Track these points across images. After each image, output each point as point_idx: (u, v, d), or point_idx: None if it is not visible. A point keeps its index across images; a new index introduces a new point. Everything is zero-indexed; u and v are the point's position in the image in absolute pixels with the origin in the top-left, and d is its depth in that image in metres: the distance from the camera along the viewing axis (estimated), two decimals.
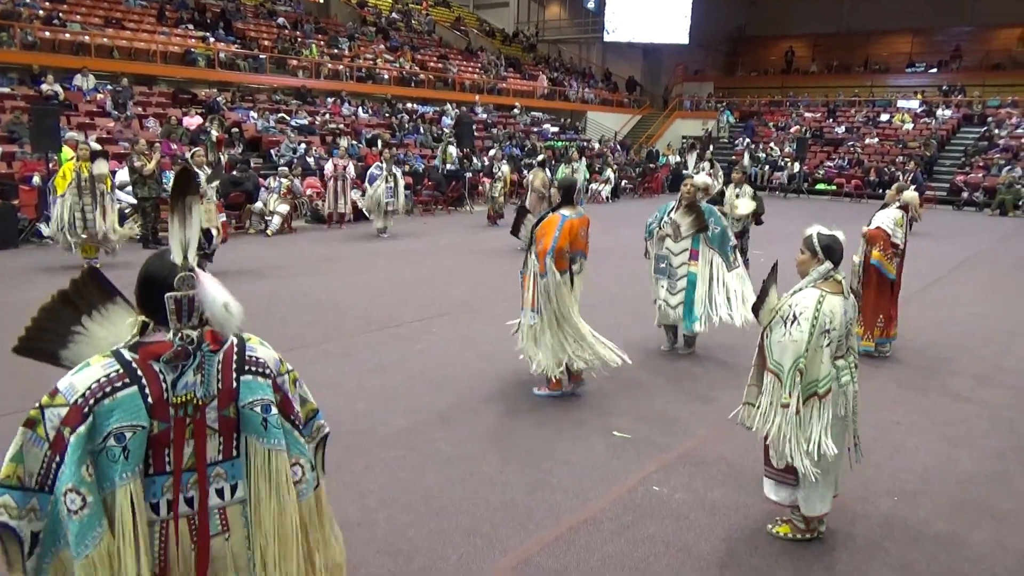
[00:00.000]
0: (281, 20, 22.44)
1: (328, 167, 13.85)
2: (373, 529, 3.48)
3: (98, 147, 9.92)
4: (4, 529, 1.60)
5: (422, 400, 5.15)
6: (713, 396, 5.41)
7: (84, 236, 8.95)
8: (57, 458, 1.60)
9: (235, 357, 1.78)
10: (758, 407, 3.39)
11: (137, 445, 1.64)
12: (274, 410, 1.80)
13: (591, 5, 32.27)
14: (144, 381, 1.66)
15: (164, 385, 1.68)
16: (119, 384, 1.64)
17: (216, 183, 9.07)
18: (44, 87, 14.62)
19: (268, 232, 12.87)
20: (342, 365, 5.90)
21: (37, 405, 1.64)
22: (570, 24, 34.33)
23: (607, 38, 31.97)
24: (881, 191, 19.45)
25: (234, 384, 1.76)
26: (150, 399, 1.66)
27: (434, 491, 3.87)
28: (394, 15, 28.27)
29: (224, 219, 9.21)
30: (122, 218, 9.89)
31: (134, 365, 1.67)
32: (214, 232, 8.69)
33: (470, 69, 26.62)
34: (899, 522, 3.70)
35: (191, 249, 1.74)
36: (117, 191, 10.36)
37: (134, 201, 11.07)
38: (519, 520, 3.61)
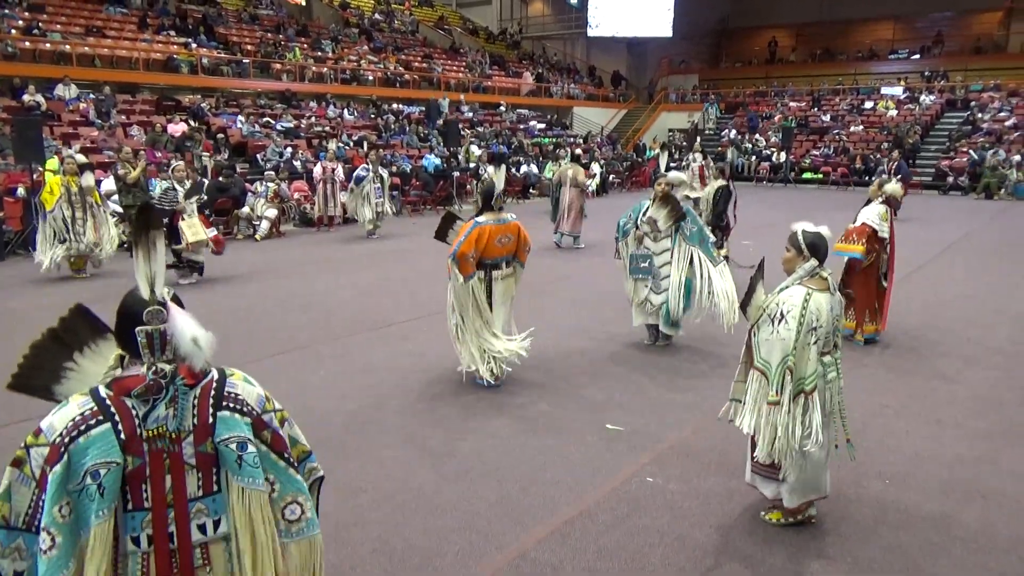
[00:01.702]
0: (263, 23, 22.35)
1: (317, 170, 13.81)
2: (367, 529, 3.49)
3: (83, 159, 9.89)
4: None
5: (414, 399, 5.15)
6: (702, 387, 5.44)
7: (75, 251, 8.92)
8: (43, 496, 1.61)
9: (213, 392, 1.76)
10: (744, 403, 3.41)
11: (112, 481, 1.64)
12: (251, 448, 1.76)
13: (574, 1, 32.27)
14: (117, 418, 1.66)
15: (137, 420, 1.68)
16: (93, 422, 1.65)
17: (196, 198, 8.89)
18: (26, 98, 14.50)
19: (257, 237, 12.84)
20: (334, 366, 5.88)
21: (23, 444, 1.65)
22: (553, 20, 34.33)
23: (591, 33, 32.01)
24: (868, 178, 19.57)
25: (210, 420, 1.74)
26: (123, 435, 1.66)
27: (428, 489, 3.88)
28: (377, 16, 28.19)
29: (215, 233, 9.07)
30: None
31: (108, 402, 1.68)
32: (204, 252, 8.59)
33: (455, 68, 26.58)
34: (890, 505, 3.74)
35: (158, 283, 1.73)
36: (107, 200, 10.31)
37: (120, 210, 11.00)
38: (514, 516, 3.63)
